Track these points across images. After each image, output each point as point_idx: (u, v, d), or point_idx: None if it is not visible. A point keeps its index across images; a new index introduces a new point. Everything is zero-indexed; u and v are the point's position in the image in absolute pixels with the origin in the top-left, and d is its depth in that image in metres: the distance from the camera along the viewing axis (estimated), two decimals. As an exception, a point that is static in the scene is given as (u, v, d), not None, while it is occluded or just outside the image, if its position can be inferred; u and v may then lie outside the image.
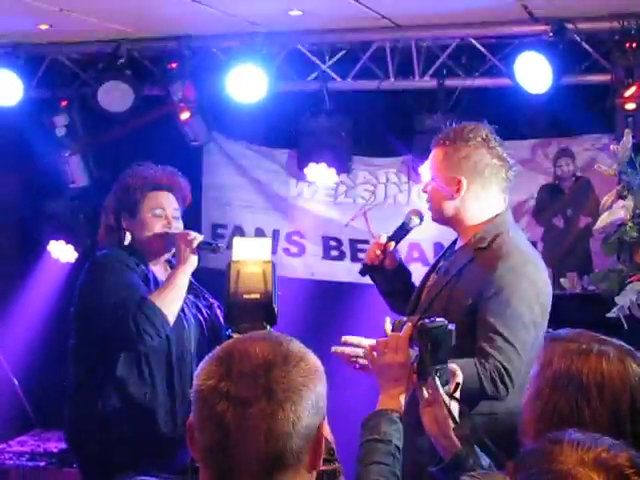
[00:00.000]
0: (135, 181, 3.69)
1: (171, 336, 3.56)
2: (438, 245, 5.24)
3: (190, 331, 3.65)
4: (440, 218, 3.30)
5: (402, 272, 3.48)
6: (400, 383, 2.29)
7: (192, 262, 3.54)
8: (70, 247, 5.86)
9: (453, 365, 2.34)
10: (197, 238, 3.54)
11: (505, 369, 2.94)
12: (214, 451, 1.54)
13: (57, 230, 5.91)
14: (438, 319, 2.34)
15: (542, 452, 1.39)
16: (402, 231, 3.43)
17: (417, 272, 3.56)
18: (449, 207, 3.23)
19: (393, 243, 3.38)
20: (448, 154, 3.24)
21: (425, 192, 3.33)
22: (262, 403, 1.51)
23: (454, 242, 3.37)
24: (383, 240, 3.37)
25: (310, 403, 1.55)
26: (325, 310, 5.60)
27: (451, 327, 2.33)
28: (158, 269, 3.72)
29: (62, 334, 5.86)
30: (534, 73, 4.75)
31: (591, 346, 1.87)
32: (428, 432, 2.27)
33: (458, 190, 3.20)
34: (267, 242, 2.40)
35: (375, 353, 2.38)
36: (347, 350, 2.84)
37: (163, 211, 3.66)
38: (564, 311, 5.11)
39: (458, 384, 2.32)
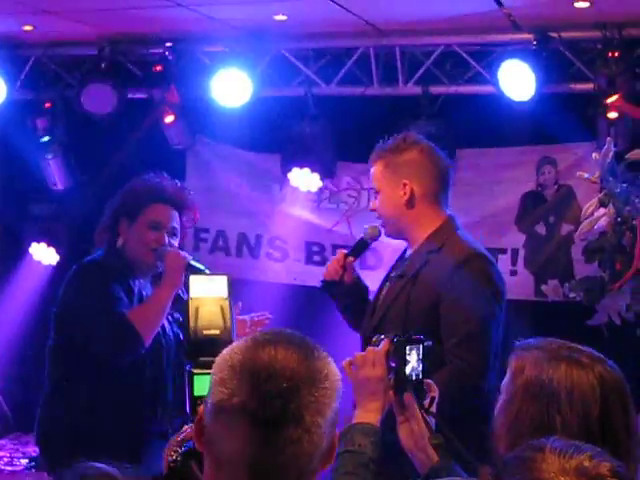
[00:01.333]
0: (141, 189, 3.64)
1: (147, 354, 3.50)
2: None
3: (167, 350, 3.59)
4: (393, 230, 3.38)
5: (359, 286, 3.55)
6: (377, 398, 2.31)
7: (177, 283, 3.47)
8: (52, 250, 5.83)
9: (429, 380, 2.37)
10: (186, 259, 3.49)
11: (474, 369, 3.04)
12: (232, 462, 1.52)
13: (39, 232, 5.89)
14: (415, 336, 2.37)
15: (524, 460, 1.38)
16: (361, 246, 3.51)
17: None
18: (401, 214, 3.30)
19: (352, 258, 3.45)
20: (388, 164, 3.33)
21: (374, 210, 3.40)
22: (290, 429, 1.49)
23: (404, 252, 3.43)
24: (342, 256, 3.43)
25: (331, 420, 1.55)
26: (307, 315, 5.59)
27: (428, 343, 2.37)
28: (146, 283, 3.66)
29: (43, 337, 5.83)
30: (517, 81, 4.78)
31: (561, 353, 1.89)
32: (405, 447, 2.30)
33: (405, 193, 3.27)
34: (223, 279, 2.44)
35: (353, 367, 2.39)
36: None
37: (160, 225, 3.59)
38: (545, 318, 5.16)
39: (433, 398, 2.34)
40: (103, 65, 5.46)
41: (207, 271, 3.46)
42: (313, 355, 1.56)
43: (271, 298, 4.75)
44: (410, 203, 3.27)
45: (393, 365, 2.33)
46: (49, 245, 5.83)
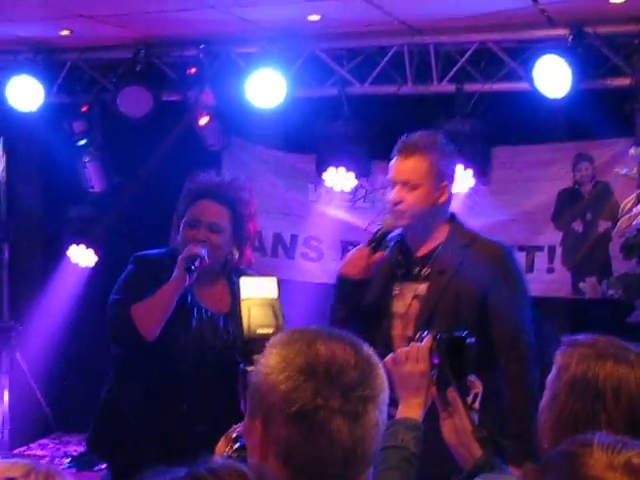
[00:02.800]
0: (189, 187, 3.65)
1: (189, 354, 3.48)
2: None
3: (212, 351, 3.49)
4: (416, 226, 3.30)
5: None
6: (420, 393, 2.31)
7: (179, 276, 3.38)
8: (90, 251, 5.89)
9: (472, 376, 2.37)
10: (186, 253, 3.39)
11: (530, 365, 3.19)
12: (323, 462, 1.56)
13: (77, 234, 5.95)
14: (457, 332, 2.37)
15: (570, 455, 1.36)
16: (383, 238, 3.34)
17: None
18: (431, 213, 3.29)
19: (381, 252, 3.32)
20: (433, 162, 3.28)
21: (400, 201, 3.25)
22: (370, 413, 1.58)
23: (407, 249, 3.35)
24: (366, 252, 3.28)
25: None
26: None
27: (471, 340, 2.36)
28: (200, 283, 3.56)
29: (82, 338, 5.90)
30: (553, 77, 4.74)
31: (608, 351, 1.86)
32: (447, 443, 2.28)
33: (444, 194, 3.28)
34: (273, 281, 2.49)
35: (395, 363, 2.38)
36: None
37: (197, 222, 3.52)
38: (583, 316, 5.13)
39: (477, 394, 2.34)
40: (138, 68, 5.50)
41: (198, 262, 3.36)
42: (358, 344, 1.65)
43: (306, 298, 4.76)
44: (445, 204, 3.30)
45: (436, 362, 2.32)
46: (87, 247, 5.89)
